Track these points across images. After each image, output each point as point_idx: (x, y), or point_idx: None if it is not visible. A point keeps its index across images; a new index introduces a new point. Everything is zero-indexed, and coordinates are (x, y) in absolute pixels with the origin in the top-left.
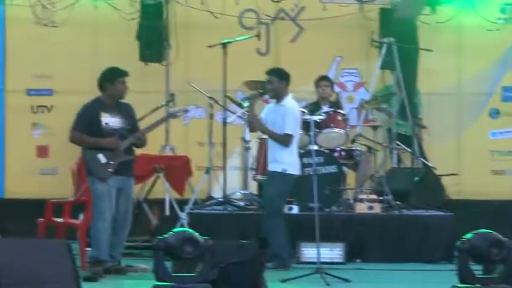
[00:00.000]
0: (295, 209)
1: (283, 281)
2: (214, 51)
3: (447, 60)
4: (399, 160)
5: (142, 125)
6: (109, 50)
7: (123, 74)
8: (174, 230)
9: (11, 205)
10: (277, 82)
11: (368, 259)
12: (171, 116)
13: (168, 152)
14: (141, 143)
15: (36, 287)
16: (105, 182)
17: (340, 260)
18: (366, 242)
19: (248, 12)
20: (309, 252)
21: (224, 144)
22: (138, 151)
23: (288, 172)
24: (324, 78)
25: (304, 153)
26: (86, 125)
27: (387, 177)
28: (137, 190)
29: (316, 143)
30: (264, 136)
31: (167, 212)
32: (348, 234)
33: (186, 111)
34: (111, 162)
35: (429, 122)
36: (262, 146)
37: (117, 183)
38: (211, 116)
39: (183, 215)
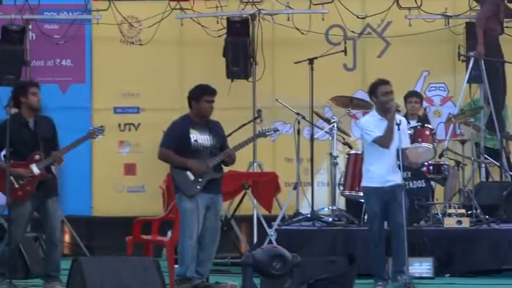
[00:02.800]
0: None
1: None
2: (301, 67)
3: None
4: (487, 174)
5: (229, 141)
6: (196, 67)
7: (210, 92)
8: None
9: (99, 223)
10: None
11: (457, 274)
12: (261, 135)
13: (255, 169)
14: (231, 161)
15: None
16: (194, 199)
17: (429, 275)
18: (455, 257)
19: (335, 28)
20: None
21: (312, 160)
22: (225, 168)
23: None
24: (414, 94)
25: None
26: (175, 142)
27: (476, 192)
28: (225, 207)
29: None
30: (352, 151)
31: (255, 228)
32: (437, 248)
33: (276, 130)
34: (200, 180)
35: None
36: (350, 161)
37: (205, 201)
38: (298, 132)
39: (271, 231)
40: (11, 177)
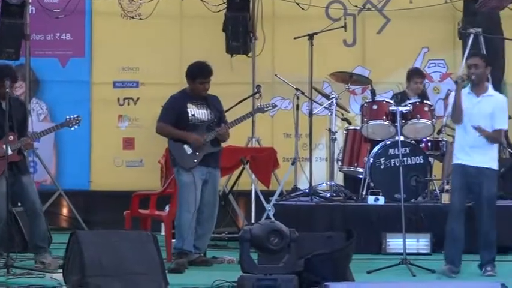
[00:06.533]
0: (381, 200)
1: (369, 272)
2: (301, 43)
3: None
4: None
5: (228, 116)
6: (195, 42)
7: (204, 75)
8: (260, 221)
9: (97, 197)
10: (483, 67)
11: None
12: (259, 110)
13: (254, 144)
14: (222, 139)
15: (122, 279)
16: (190, 173)
17: (427, 251)
18: None
19: (335, 3)
20: (395, 243)
21: (310, 136)
22: (224, 143)
23: None
24: (419, 73)
25: (390, 144)
26: (173, 116)
27: None
28: (223, 182)
29: (402, 134)
30: (351, 127)
31: (253, 204)
32: (434, 225)
33: (274, 106)
34: (197, 153)
35: None
36: (349, 137)
37: (203, 175)
38: (297, 108)
39: (269, 207)
40: None
